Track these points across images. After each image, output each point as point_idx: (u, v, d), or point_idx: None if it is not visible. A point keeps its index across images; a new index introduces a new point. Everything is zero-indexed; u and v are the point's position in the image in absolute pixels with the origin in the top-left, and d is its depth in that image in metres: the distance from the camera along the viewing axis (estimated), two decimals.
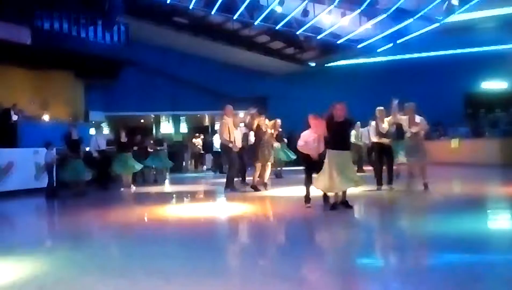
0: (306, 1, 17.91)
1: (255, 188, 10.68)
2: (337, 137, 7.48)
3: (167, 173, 16.69)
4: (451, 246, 5.17)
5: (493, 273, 4.21)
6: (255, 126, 10.73)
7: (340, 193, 7.60)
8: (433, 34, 19.41)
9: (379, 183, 9.96)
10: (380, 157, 10.14)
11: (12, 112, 14.20)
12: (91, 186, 12.70)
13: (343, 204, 7.63)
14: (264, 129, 10.77)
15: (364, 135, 13.84)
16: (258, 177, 10.80)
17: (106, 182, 13.33)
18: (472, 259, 4.73)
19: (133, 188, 12.94)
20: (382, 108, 10.04)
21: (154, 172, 15.80)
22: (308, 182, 7.92)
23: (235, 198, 10.00)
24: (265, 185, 10.93)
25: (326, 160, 7.44)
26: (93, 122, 21.72)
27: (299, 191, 8.70)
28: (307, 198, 7.95)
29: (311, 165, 7.94)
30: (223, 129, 11.03)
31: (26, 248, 5.87)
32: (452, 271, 4.26)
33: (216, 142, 16.06)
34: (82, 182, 11.81)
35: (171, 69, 24.15)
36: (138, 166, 13.40)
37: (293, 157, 13.99)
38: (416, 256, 5.04)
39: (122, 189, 12.83)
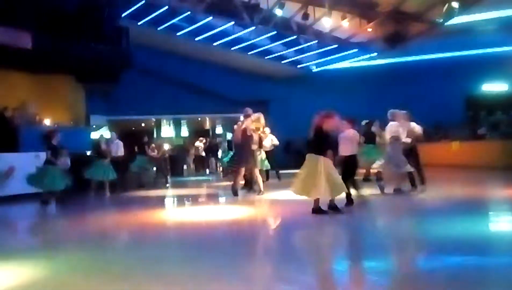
0: (306, 5, 17.95)
1: (235, 193, 10.59)
2: (324, 144, 7.56)
3: (169, 177, 16.65)
4: (453, 249, 5.16)
5: (496, 276, 4.20)
6: (241, 131, 10.67)
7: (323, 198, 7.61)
8: (433, 37, 19.43)
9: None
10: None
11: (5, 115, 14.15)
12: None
13: (332, 208, 7.63)
14: (249, 133, 10.65)
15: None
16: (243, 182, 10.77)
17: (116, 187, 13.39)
18: (475, 262, 4.71)
19: (108, 194, 12.87)
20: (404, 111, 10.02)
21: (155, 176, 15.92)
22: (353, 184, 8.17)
23: (236, 201, 10.01)
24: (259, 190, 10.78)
25: (309, 166, 7.47)
26: (94, 126, 21.74)
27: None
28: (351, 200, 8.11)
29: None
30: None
31: (28, 252, 5.88)
32: (455, 274, 4.24)
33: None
34: (57, 191, 11.10)
35: (172, 72, 24.16)
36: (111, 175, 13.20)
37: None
38: (418, 259, 5.04)
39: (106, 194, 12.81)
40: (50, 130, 11.37)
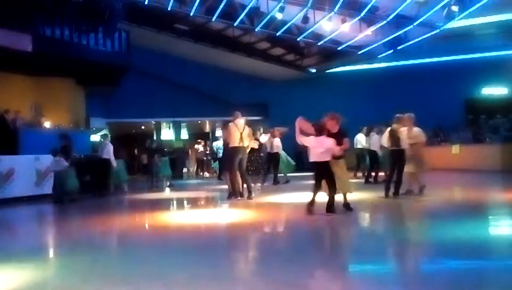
0: (306, 8, 17.97)
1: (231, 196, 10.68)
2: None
3: (168, 180, 16.65)
4: (453, 252, 5.15)
5: (496, 279, 4.20)
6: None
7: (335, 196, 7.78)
8: (433, 40, 19.47)
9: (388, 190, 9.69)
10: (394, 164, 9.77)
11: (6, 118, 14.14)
12: None
13: (345, 206, 7.94)
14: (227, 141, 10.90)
15: (374, 141, 12.85)
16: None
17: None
18: (474, 266, 4.71)
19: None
20: (411, 114, 9.95)
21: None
22: (316, 188, 7.76)
23: (237, 204, 9.99)
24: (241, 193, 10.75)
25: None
26: (94, 128, 21.76)
27: (301, 197, 8.68)
28: (311, 205, 7.67)
29: (320, 172, 7.77)
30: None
31: (27, 255, 5.86)
32: (454, 278, 4.24)
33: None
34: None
35: (171, 75, 24.20)
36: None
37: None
38: (418, 262, 5.03)
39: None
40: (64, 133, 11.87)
